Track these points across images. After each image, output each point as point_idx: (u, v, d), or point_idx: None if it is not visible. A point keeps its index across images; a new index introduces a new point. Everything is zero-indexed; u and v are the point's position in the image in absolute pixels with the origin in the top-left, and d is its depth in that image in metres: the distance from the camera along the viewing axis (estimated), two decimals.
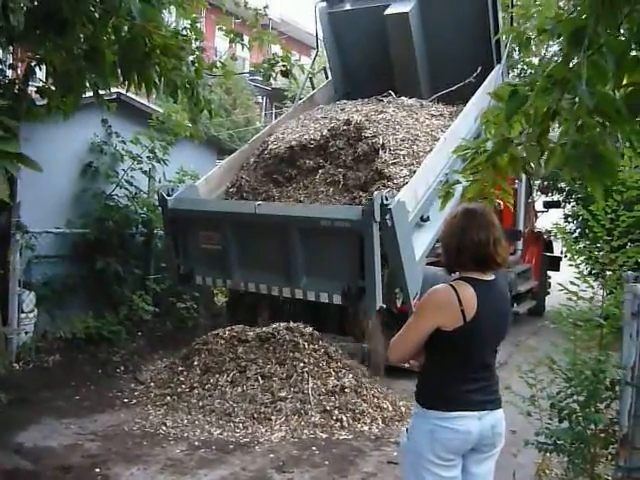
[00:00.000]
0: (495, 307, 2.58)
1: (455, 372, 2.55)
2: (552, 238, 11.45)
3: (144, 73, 2.56)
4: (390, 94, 7.79)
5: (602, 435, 3.73)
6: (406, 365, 2.45)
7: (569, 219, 11.47)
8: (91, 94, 5.22)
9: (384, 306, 5.54)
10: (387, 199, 5.30)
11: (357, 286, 5.50)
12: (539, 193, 12.67)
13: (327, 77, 9.23)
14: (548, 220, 10.59)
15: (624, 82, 1.87)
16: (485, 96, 6.39)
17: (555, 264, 11.37)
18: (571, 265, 4.21)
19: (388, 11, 8.05)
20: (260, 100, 27.71)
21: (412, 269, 5.51)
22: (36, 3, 2.27)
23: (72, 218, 7.67)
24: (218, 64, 6.31)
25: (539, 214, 11.79)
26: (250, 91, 23.40)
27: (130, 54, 2.42)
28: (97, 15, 2.32)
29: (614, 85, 1.85)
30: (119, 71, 2.52)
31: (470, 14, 7.78)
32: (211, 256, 6.46)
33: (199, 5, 5.07)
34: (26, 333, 6.96)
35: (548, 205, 11.86)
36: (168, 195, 6.57)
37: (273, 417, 5.58)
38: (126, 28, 2.36)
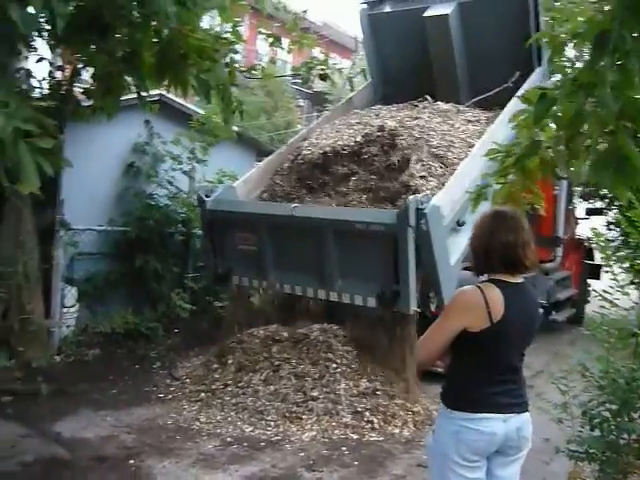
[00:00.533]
0: (523, 310, 2.58)
1: (481, 374, 2.55)
2: (593, 245, 11.23)
3: (180, 75, 2.64)
4: (426, 99, 7.75)
5: (635, 445, 3.66)
6: (439, 369, 2.46)
7: (611, 226, 11.22)
8: (134, 96, 5.40)
9: (418, 310, 5.54)
10: (422, 203, 5.31)
11: (391, 290, 5.51)
12: (581, 200, 12.42)
13: (366, 79, 9.26)
14: (591, 227, 10.39)
15: None
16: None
17: (595, 272, 11.14)
18: (607, 272, 4.15)
19: (428, 13, 8.02)
20: (301, 103, 27.89)
21: (447, 273, 5.49)
22: (80, 6, 2.37)
23: (114, 216, 7.88)
24: (258, 67, 6.41)
25: (580, 221, 11.56)
26: (291, 94, 23.57)
27: (167, 56, 2.51)
28: (137, 19, 2.41)
29: None
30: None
31: (511, 17, 7.66)
32: (247, 257, 6.56)
33: (241, 10, 5.16)
34: (68, 327, 7.18)
35: (590, 212, 11.63)
36: (207, 196, 6.70)
37: (304, 416, 5.61)
38: (165, 31, 2.45)
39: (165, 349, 7.63)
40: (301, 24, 6.20)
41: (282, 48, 4.86)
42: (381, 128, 6.79)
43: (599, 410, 3.66)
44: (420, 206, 5.28)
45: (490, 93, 7.32)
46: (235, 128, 8.89)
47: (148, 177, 8.12)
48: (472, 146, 6.48)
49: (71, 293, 7.20)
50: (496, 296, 2.48)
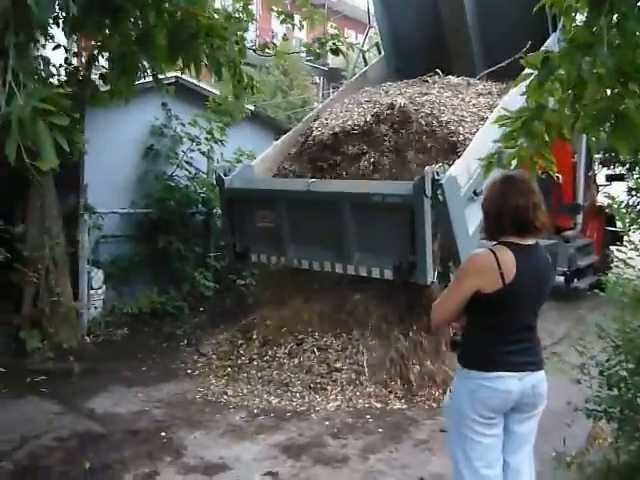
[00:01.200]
0: (535, 271, 2.64)
1: (495, 334, 2.63)
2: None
3: (191, 54, 2.72)
4: (437, 73, 7.71)
5: None
6: (454, 324, 2.55)
7: (633, 192, 11.12)
8: (150, 79, 5.47)
9: (435, 281, 5.61)
10: (438, 174, 5.36)
11: (408, 261, 5.59)
12: (600, 166, 12.30)
13: (380, 53, 9.24)
14: (608, 195, 10.32)
15: None
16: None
17: (618, 239, 11.06)
18: (621, 236, 4.18)
19: None
20: (317, 80, 27.80)
21: (466, 243, 5.54)
22: None
23: (135, 199, 8.03)
24: (271, 45, 6.45)
25: (601, 187, 11.47)
26: (307, 72, 23.50)
27: (177, 36, 2.59)
28: (147, 1, 2.49)
29: None
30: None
31: None
32: (266, 234, 6.67)
33: None
34: (95, 308, 7.37)
35: (611, 178, 11.50)
36: (225, 175, 6.81)
37: (329, 387, 5.75)
38: (178, 13, 2.53)
39: (191, 327, 7.79)
40: (312, 0, 6.24)
41: (294, 25, 4.90)
42: (391, 106, 6.75)
43: (616, 369, 3.72)
44: (437, 177, 5.33)
45: (502, 64, 7.23)
46: (251, 107, 8.97)
47: (167, 159, 8.24)
48: (484, 119, 6.47)
49: (97, 275, 7.38)
50: (508, 258, 2.55)
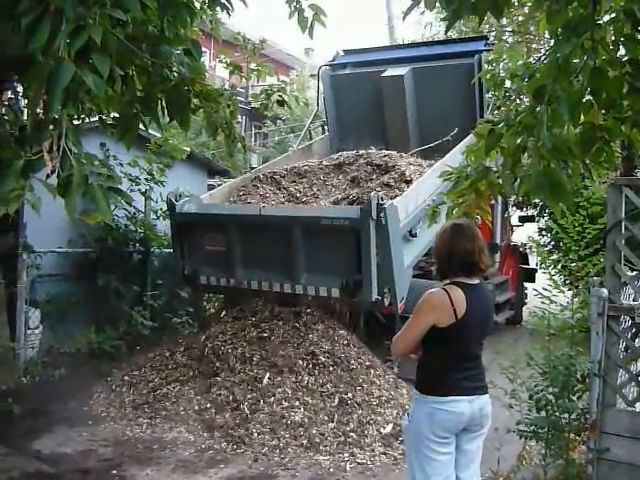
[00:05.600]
0: (481, 306, 3.06)
1: (449, 362, 3.01)
2: (528, 251, 11.98)
3: (187, 116, 3.02)
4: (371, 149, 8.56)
5: (575, 423, 4.20)
6: (412, 356, 2.92)
7: (543, 232, 12.00)
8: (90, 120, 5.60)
9: (379, 298, 6.02)
10: (382, 199, 5.98)
11: (354, 279, 6.06)
12: (514, 208, 13.21)
13: (324, 132, 10.42)
14: (524, 234, 11.13)
15: (580, 122, 2.37)
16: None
17: (531, 276, 11.89)
18: (545, 273, 4.71)
19: (385, 73, 9.12)
20: (239, 119, 28.18)
21: (401, 272, 6.08)
22: None
23: (73, 237, 8.01)
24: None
25: (515, 228, 12.31)
26: None
27: (176, 100, 2.88)
28: (149, 67, 2.77)
29: (574, 125, 2.35)
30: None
31: (458, 81, 8.61)
32: (215, 257, 7.03)
33: (193, 37, 5.48)
34: (33, 348, 7.29)
35: (523, 220, 12.39)
36: (176, 200, 7.10)
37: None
38: (174, 75, 2.83)
39: (129, 366, 7.78)
40: (258, 53, 6.65)
41: (243, 76, 5.24)
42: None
43: (543, 394, 4.19)
44: (380, 201, 5.90)
45: (432, 145, 8.23)
46: (187, 148, 9.20)
47: None
48: (409, 181, 7.21)
49: (35, 315, 7.32)
50: (459, 295, 2.95)
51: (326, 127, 10.38)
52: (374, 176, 7.62)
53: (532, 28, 11.48)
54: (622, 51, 2.35)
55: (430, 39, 15.45)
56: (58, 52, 2.24)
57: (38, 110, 2.49)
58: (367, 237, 5.93)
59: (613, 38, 2.19)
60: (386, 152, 8.24)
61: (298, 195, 7.64)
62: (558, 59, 2.08)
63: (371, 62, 9.85)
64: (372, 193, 6.18)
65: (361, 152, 8.29)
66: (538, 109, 2.13)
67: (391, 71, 9.21)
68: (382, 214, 5.87)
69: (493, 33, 12.15)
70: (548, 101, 2.09)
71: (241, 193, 7.86)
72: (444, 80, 8.82)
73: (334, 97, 9.90)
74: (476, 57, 8.72)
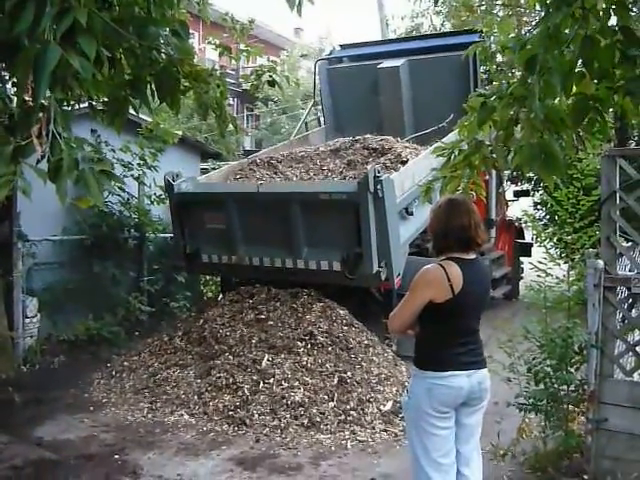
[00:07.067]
0: (477, 280, 3.06)
1: (446, 338, 3.02)
2: (523, 225, 11.98)
3: (177, 97, 2.99)
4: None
5: (574, 394, 4.23)
6: (410, 332, 2.94)
7: (538, 206, 12.00)
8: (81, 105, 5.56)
9: (380, 269, 6.07)
10: (379, 172, 6.03)
11: (355, 252, 6.12)
12: (509, 183, 13.19)
13: (320, 124, 10.54)
14: (519, 208, 11.14)
15: (572, 92, 2.36)
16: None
17: (527, 250, 11.90)
18: (540, 247, 4.72)
19: (381, 65, 9.34)
20: (231, 102, 27.99)
21: (397, 248, 6.14)
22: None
23: (68, 225, 7.99)
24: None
25: (510, 203, 12.30)
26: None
27: (165, 82, 2.85)
28: (137, 49, 2.74)
29: (566, 96, 2.34)
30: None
31: (452, 71, 8.86)
32: (216, 235, 7.08)
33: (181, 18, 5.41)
34: (31, 337, 7.30)
35: (518, 194, 12.36)
36: (173, 180, 7.11)
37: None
38: (163, 57, 2.80)
39: (128, 351, 7.81)
40: (247, 34, 6.59)
41: (232, 57, 5.19)
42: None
43: (541, 366, 4.22)
44: (377, 174, 5.97)
45: (427, 131, 8.34)
46: (178, 132, 9.13)
47: None
48: (405, 162, 7.25)
49: (32, 304, 7.31)
50: (455, 271, 2.94)
51: (322, 119, 10.58)
52: (370, 159, 7.65)
53: (522, 0, 11.41)
54: (613, 20, 2.33)
55: (420, 13, 15.67)
56: (43, 35, 2.22)
57: (26, 96, 2.46)
58: (365, 210, 5.98)
59: (604, 5, 2.16)
60: (383, 137, 8.28)
61: (295, 179, 7.66)
62: (549, 28, 2.06)
63: (367, 55, 10.09)
64: (369, 166, 6.26)
65: (357, 137, 8.35)
66: (530, 80, 2.11)
67: (387, 63, 9.44)
68: (379, 186, 5.93)
69: (483, 7, 12.05)
70: (540, 72, 2.07)
71: (238, 176, 7.90)
72: (439, 72, 9.03)
73: (331, 90, 10.15)
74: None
